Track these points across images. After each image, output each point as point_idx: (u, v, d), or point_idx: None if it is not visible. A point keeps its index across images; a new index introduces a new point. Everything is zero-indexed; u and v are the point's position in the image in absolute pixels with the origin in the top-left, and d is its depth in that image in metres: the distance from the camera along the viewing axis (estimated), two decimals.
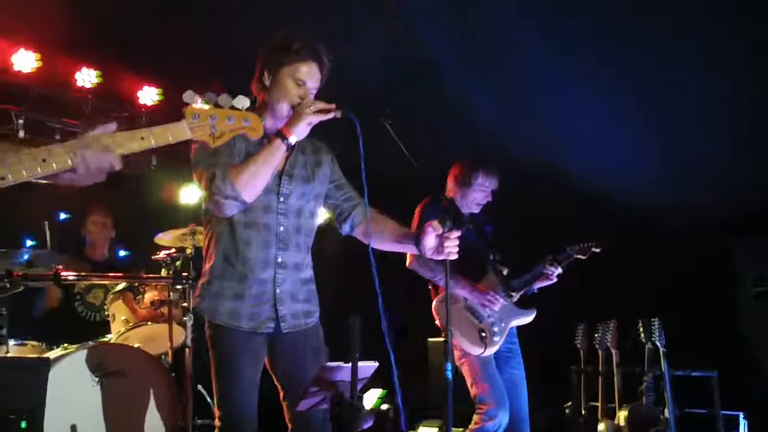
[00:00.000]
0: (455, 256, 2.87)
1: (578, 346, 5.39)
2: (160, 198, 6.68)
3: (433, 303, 4.30)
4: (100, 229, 5.38)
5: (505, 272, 4.37)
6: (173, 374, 4.28)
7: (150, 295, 4.81)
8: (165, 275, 4.63)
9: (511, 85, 5.52)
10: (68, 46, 5.50)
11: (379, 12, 4.80)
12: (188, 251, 4.75)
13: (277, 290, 2.90)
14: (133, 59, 5.74)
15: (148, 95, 6.21)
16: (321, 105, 2.78)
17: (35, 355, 4.28)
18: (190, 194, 6.62)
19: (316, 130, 2.86)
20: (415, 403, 5.77)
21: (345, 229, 3.14)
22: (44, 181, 2.03)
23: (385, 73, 5.29)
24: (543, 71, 5.33)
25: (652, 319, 4.93)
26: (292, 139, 2.76)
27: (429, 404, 5.77)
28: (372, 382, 2.70)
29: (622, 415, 4.89)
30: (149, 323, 4.77)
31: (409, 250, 3.08)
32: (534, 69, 5.33)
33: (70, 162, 1.95)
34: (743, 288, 6.78)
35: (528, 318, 4.33)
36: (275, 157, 2.77)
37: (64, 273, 4.18)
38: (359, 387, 2.49)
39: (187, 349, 4.28)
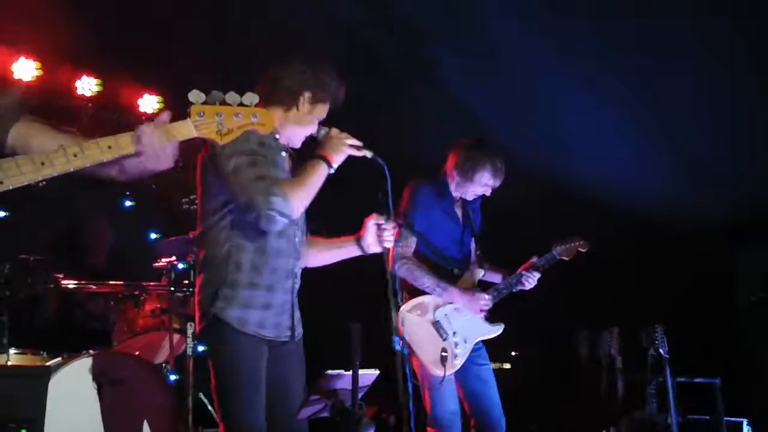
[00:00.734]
0: (391, 245, 3.00)
1: (579, 352, 5.37)
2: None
3: (402, 308, 3.90)
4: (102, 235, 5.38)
5: (481, 274, 4.16)
6: (174, 383, 4.26)
7: (150, 304, 4.80)
8: (165, 283, 4.62)
9: (510, 85, 5.51)
10: (68, 54, 5.50)
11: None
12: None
13: (294, 299, 3.02)
14: (134, 67, 5.75)
15: (149, 103, 6.22)
16: (353, 141, 2.96)
17: (36, 364, 4.26)
18: None
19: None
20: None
21: None
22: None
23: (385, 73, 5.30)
24: (542, 71, 5.32)
25: (656, 326, 4.90)
26: (334, 167, 2.93)
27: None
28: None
29: (623, 423, 4.86)
30: (150, 331, 4.75)
31: (351, 253, 3.15)
32: (534, 69, 5.33)
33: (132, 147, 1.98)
34: (746, 294, 6.76)
35: (494, 333, 4.05)
36: (321, 181, 2.93)
37: (64, 281, 4.17)
38: (360, 395, 2.48)
39: (188, 357, 4.26)
